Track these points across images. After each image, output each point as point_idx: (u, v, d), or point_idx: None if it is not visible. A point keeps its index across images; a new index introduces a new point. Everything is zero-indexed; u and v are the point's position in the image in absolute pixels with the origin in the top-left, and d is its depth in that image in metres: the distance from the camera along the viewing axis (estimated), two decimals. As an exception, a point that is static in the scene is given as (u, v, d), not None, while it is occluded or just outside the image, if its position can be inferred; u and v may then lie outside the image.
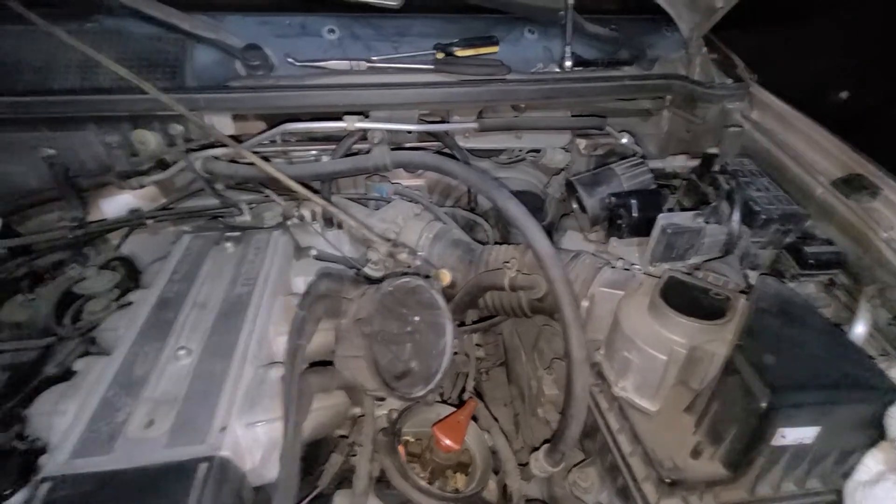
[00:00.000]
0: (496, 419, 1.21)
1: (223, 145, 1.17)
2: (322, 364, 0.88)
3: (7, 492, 0.87)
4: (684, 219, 1.08)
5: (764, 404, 0.75)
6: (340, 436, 0.92)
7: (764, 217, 1.11)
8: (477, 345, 1.54)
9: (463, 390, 1.33)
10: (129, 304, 1.05)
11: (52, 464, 0.70)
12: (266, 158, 1.17)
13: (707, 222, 1.08)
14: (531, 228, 0.98)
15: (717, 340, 0.88)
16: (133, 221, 1.31)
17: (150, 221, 1.35)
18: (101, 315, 1.27)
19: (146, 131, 1.08)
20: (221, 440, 0.73)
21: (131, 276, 1.43)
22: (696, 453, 0.85)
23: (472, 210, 1.56)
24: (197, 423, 0.75)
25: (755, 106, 1.44)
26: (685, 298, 0.93)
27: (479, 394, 1.44)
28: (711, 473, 0.84)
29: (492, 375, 1.77)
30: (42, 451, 0.94)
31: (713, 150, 1.37)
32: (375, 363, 0.81)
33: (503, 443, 1.14)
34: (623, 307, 0.98)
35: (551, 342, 1.46)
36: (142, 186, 1.21)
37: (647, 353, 0.90)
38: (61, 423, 0.77)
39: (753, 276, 1.15)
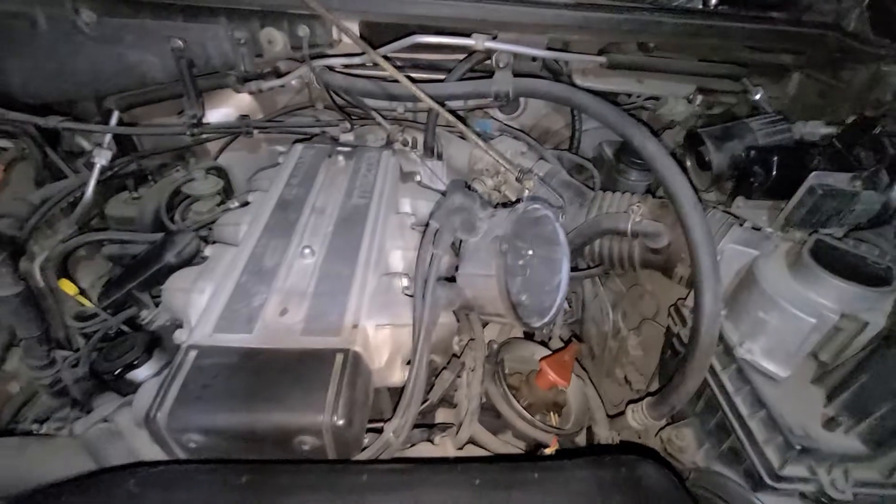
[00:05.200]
0: (585, 370, 1.19)
1: (341, 55, 1.14)
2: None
3: (134, 361, 0.92)
4: (839, 180, 0.97)
5: (936, 381, 0.69)
6: (453, 355, 0.92)
7: (931, 189, 0.99)
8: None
9: (549, 339, 1.30)
10: (247, 203, 1.06)
11: (198, 334, 0.72)
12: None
13: (864, 187, 0.98)
14: (671, 169, 0.91)
15: (875, 310, 0.81)
16: (243, 128, 1.32)
17: (256, 131, 1.35)
18: (207, 216, 1.31)
19: (274, 30, 1.06)
20: (355, 336, 0.73)
21: (228, 185, 1.47)
22: (832, 424, 0.79)
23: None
24: (329, 317, 0.76)
25: (920, 71, 1.27)
26: (838, 263, 0.85)
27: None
28: (846, 447, 0.79)
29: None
30: (157, 334, 0.99)
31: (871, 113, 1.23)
32: (507, 283, 0.78)
33: (593, 392, 1.12)
34: (760, 266, 0.91)
35: (637, 305, 1.40)
36: (260, 91, 1.20)
37: (790, 314, 0.83)
38: (199, 301, 0.80)
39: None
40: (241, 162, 1.57)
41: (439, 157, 1.37)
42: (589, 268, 1.26)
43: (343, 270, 0.84)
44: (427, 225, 0.84)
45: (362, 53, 1.10)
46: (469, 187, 1.11)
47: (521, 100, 1.60)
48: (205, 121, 1.39)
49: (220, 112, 1.46)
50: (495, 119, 1.48)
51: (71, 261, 1.27)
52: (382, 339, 0.77)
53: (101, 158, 1.25)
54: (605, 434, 1.06)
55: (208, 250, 0.89)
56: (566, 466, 0.57)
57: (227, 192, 1.44)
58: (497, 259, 0.77)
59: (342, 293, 0.80)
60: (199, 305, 0.79)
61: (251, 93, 1.21)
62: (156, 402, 0.64)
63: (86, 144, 1.32)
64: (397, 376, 0.78)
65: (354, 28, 1.06)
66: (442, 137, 1.38)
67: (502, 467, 0.56)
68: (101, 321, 1.12)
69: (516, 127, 1.59)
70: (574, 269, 1.35)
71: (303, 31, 1.06)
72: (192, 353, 0.69)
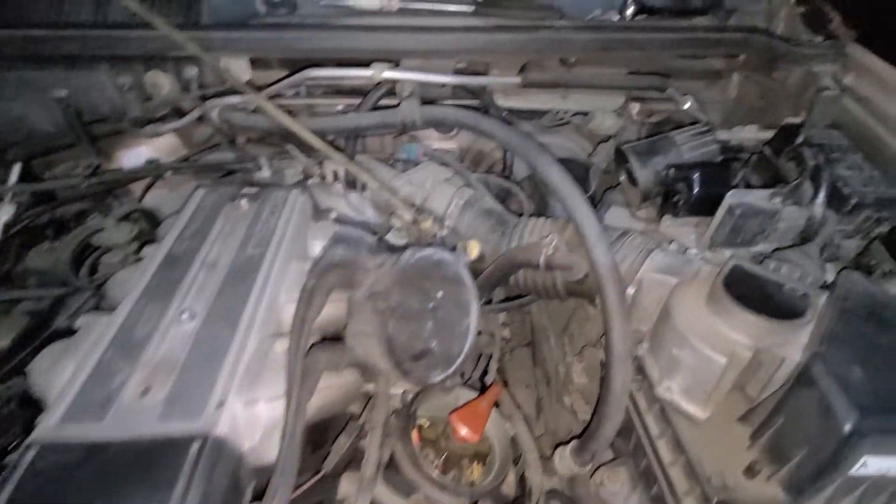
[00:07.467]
0: (519, 406, 1.12)
1: (233, 94, 1.08)
2: (333, 339, 0.80)
3: (9, 447, 0.85)
4: (758, 198, 0.92)
5: (847, 427, 0.63)
6: (350, 416, 0.85)
7: (855, 201, 0.93)
8: (503, 324, 1.45)
9: (485, 372, 1.24)
10: (141, 259, 1.00)
11: (42, 427, 0.66)
12: (290, 112, 1.07)
13: (784, 204, 0.92)
14: (575, 200, 0.85)
15: (791, 344, 0.75)
16: (149, 172, 1.25)
17: (167, 174, 1.29)
18: (119, 268, 1.24)
19: (159, 73, 1.00)
20: (217, 418, 0.66)
21: (152, 229, 1.39)
22: (751, 472, 0.73)
23: (506, 179, 1.43)
24: (194, 395, 0.69)
25: (850, 68, 1.23)
26: (753, 292, 0.79)
27: (503, 379, 1.35)
28: (768, 497, 0.72)
29: (515, 355, 1.68)
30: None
31: (795, 120, 1.18)
32: (390, 343, 0.72)
33: (525, 433, 1.06)
34: (676, 297, 0.85)
35: (583, 327, 1.34)
36: (157, 135, 1.14)
37: (701, 353, 0.77)
38: (59, 382, 0.73)
39: (831, 271, 0.99)
40: (167, 200, 1.51)
41: (363, 188, 1.31)
42: (520, 297, 1.21)
43: (221, 335, 0.77)
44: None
45: (261, 87, 1.04)
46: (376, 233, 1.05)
47: (455, 119, 1.55)
48: (116, 166, 1.34)
49: (139, 153, 1.40)
50: (421, 143, 1.42)
51: (-16, 320, 1.20)
52: (253, 415, 0.70)
53: (3, 215, 1.19)
54: (536, 480, 0.99)
55: (80, 320, 0.83)
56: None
57: (154, 234, 1.37)
58: (375, 317, 0.70)
59: (215, 363, 0.73)
60: (58, 388, 0.72)
61: (149, 136, 1.15)
62: (-20, 515, 0.57)
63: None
64: (276, 453, 0.71)
65: (245, 65, 1.01)
66: (363, 166, 1.32)
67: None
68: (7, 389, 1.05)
69: (453, 148, 1.54)
70: (510, 298, 1.29)
71: (189, 72, 1.00)
72: (30, 453, 0.63)
